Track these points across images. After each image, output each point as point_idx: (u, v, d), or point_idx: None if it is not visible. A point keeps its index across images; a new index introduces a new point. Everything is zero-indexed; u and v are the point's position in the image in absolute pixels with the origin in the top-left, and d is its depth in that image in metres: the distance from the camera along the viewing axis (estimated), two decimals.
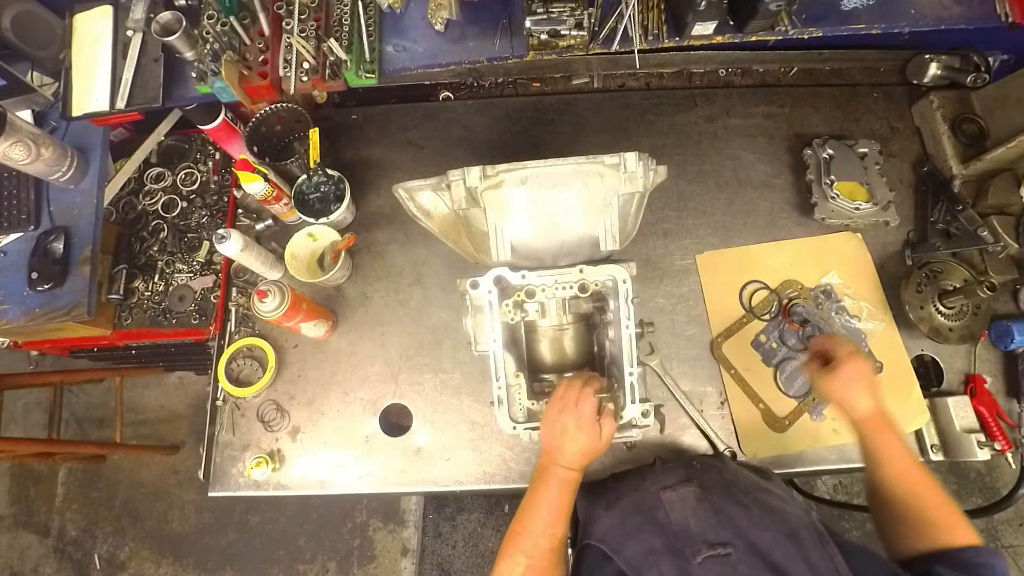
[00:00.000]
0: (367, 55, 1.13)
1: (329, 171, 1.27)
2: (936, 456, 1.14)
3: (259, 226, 1.35)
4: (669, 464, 0.96)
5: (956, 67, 1.32)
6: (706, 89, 1.46)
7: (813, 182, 1.28)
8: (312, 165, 1.22)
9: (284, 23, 1.12)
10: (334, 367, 1.25)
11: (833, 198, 1.23)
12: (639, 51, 1.09)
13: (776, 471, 1.14)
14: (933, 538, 0.71)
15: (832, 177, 1.24)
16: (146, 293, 1.33)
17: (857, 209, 1.23)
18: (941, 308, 1.18)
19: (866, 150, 1.30)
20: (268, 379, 1.21)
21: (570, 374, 0.90)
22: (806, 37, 1.12)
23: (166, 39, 1.08)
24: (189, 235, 1.38)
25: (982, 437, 1.11)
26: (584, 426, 0.78)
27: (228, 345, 1.26)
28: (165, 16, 1.09)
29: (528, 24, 1.05)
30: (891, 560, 0.72)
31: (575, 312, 0.95)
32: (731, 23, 1.09)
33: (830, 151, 1.28)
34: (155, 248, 1.36)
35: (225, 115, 1.26)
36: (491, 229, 0.87)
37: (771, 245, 1.30)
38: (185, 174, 1.42)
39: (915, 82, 1.38)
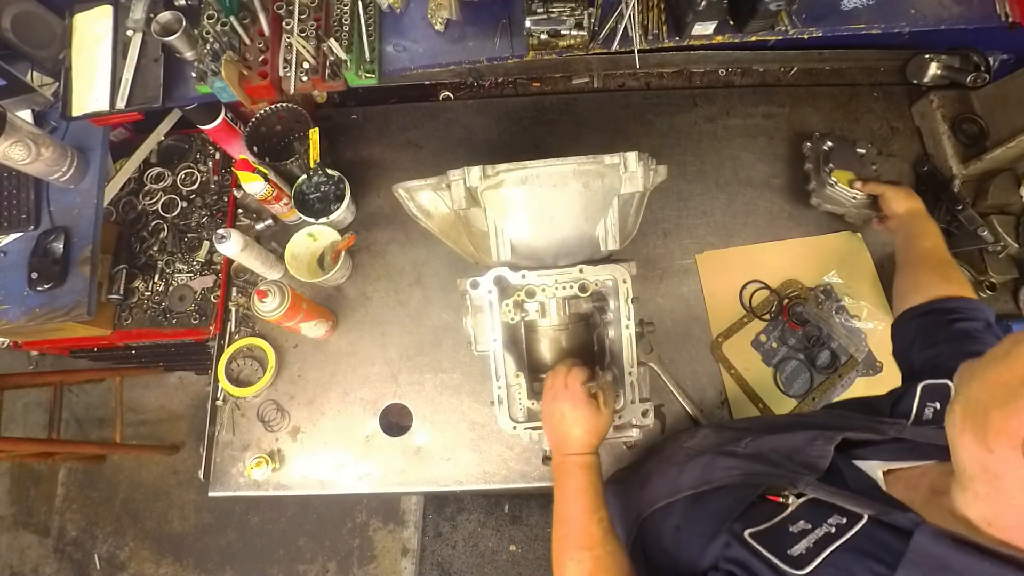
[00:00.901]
0: (367, 55, 1.13)
1: (329, 171, 1.27)
2: None
3: (259, 226, 1.35)
4: (677, 433, 1.02)
5: (956, 67, 1.32)
6: (706, 89, 1.46)
7: (811, 170, 1.27)
8: (312, 165, 1.22)
9: (284, 23, 1.12)
10: (334, 367, 1.25)
11: (831, 184, 1.22)
12: (639, 51, 1.09)
13: None
14: (939, 290, 0.86)
15: (831, 165, 1.23)
16: (146, 293, 1.33)
17: (855, 198, 1.21)
18: None
19: (864, 151, 1.29)
20: (268, 379, 1.21)
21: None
22: (806, 37, 1.12)
23: (166, 39, 1.08)
24: (189, 235, 1.37)
25: None
26: (580, 403, 0.77)
27: (228, 345, 1.26)
28: (165, 16, 1.09)
29: (528, 24, 1.05)
30: (899, 314, 0.91)
31: (575, 312, 0.95)
32: (731, 23, 1.09)
33: (830, 143, 1.27)
34: (155, 248, 1.36)
35: (225, 115, 1.26)
36: (491, 229, 0.87)
37: (771, 245, 1.30)
38: (185, 174, 1.42)
39: (915, 82, 1.38)
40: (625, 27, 1.08)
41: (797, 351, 1.21)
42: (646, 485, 0.86)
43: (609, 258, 0.92)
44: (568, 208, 0.86)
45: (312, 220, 1.24)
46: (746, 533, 0.59)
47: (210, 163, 1.43)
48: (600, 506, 0.75)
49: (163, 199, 1.40)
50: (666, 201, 1.34)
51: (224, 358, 1.24)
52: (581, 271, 0.87)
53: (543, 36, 1.07)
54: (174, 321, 1.31)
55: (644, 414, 0.86)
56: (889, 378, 1.18)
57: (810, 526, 0.56)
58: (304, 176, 1.27)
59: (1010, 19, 1.13)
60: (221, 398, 1.23)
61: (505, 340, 0.88)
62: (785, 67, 1.49)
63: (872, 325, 1.23)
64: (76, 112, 1.18)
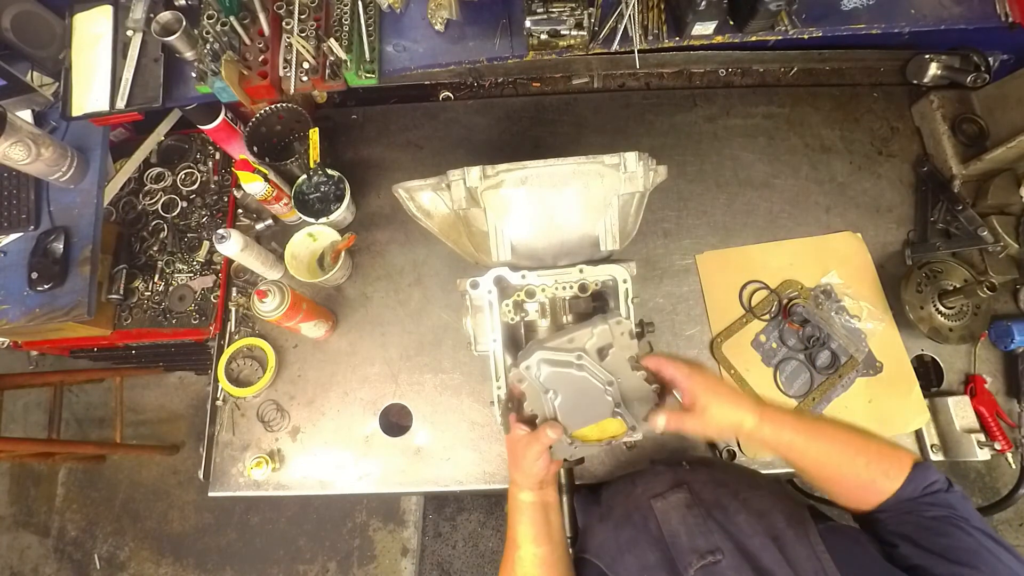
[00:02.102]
0: (367, 55, 1.13)
1: (329, 171, 1.27)
2: (936, 456, 1.14)
3: (259, 226, 1.35)
4: (659, 468, 0.93)
5: (956, 67, 1.32)
6: (706, 89, 1.46)
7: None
8: (312, 165, 1.22)
9: (284, 23, 1.12)
10: (334, 367, 1.25)
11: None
12: (639, 51, 1.09)
13: (775, 471, 1.14)
14: (879, 491, 0.67)
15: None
16: (146, 293, 1.33)
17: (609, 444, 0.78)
18: (941, 308, 1.18)
19: (606, 343, 0.75)
20: (268, 379, 1.21)
21: None
22: (806, 37, 1.12)
23: (166, 39, 1.08)
24: (189, 235, 1.38)
25: (982, 437, 1.11)
26: (508, 438, 0.78)
27: (228, 345, 1.26)
28: (165, 16, 1.09)
29: (528, 24, 1.05)
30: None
31: (575, 312, 0.94)
32: (731, 23, 1.09)
33: (543, 367, 0.74)
34: (155, 248, 1.36)
35: (225, 115, 1.26)
36: (491, 229, 0.87)
37: (771, 245, 1.30)
38: (185, 174, 1.42)
39: (915, 82, 1.38)
40: (625, 27, 1.08)
41: (797, 351, 1.21)
42: (604, 521, 0.85)
43: (609, 258, 0.92)
44: (568, 208, 0.86)
45: (312, 220, 1.24)
46: None
47: (210, 163, 1.43)
48: (525, 543, 0.77)
49: (163, 199, 1.40)
50: (666, 201, 1.34)
51: (224, 358, 1.24)
52: (581, 271, 0.87)
53: (543, 36, 1.07)
54: (174, 321, 1.31)
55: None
56: (888, 378, 1.19)
57: None
58: (304, 176, 1.27)
59: (1010, 19, 1.13)
60: (221, 398, 1.24)
61: (505, 340, 0.88)
62: (785, 67, 1.49)
63: (872, 325, 1.23)
64: (76, 112, 1.18)
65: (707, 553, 0.68)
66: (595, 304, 0.97)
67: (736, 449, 1.15)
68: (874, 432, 0.71)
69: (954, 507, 0.63)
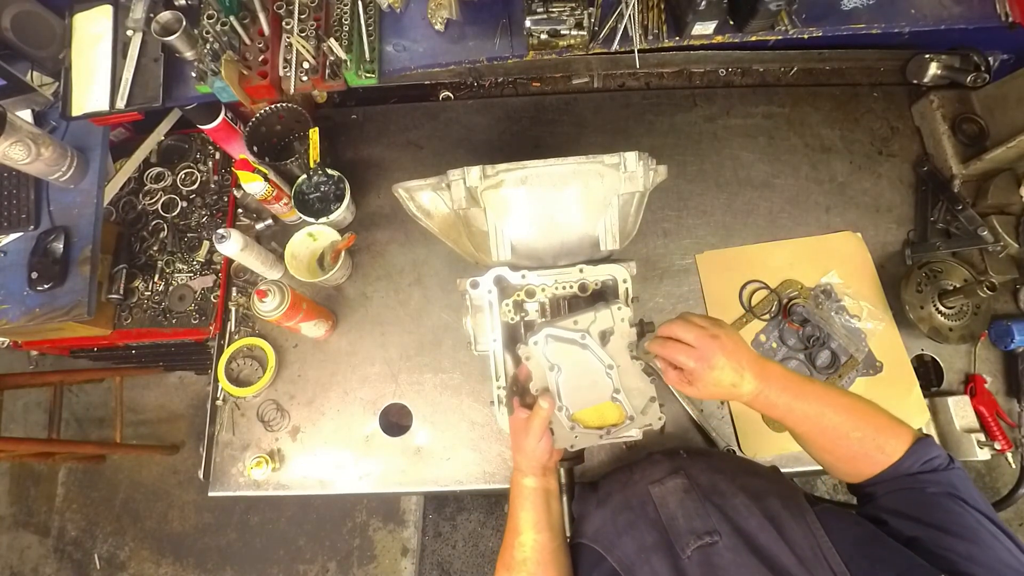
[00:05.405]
0: (367, 55, 1.13)
1: (329, 171, 1.27)
2: None
3: (259, 226, 1.35)
4: (657, 457, 0.92)
5: (956, 67, 1.32)
6: (706, 89, 1.46)
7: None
8: (312, 165, 1.22)
9: (284, 23, 1.12)
10: (334, 367, 1.25)
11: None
12: (639, 51, 1.09)
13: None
14: (877, 463, 0.68)
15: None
16: (146, 293, 1.33)
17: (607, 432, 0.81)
18: (941, 308, 1.18)
19: (610, 325, 0.80)
20: (268, 379, 1.21)
21: None
22: (806, 37, 1.12)
23: (166, 39, 1.08)
24: (189, 235, 1.37)
25: (982, 437, 1.12)
26: (512, 421, 0.82)
27: (228, 345, 1.26)
28: (165, 16, 1.09)
29: (528, 24, 1.05)
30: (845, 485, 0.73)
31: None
32: (731, 23, 1.09)
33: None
34: (155, 248, 1.36)
35: (225, 115, 1.26)
36: (491, 229, 0.88)
37: (771, 245, 1.30)
38: (185, 174, 1.42)
39: (915, 82, 1.38)
40: (625, 27, 1.08)
41: (797, 351, 1.21)
42: (601, 507, 0.84)
43: (609, 258, 0.92)
44: (568, 208, 0.86)
45: (312, 220, 1.24)
46: None
47: (210, 163, 1.43)
48: (527, 529, 0.78)
49: (163, 199, 1.40)
50: (666, 201, 1.34)
51: (224, 358, 1.24)
52: (581, 271, 0.87)
53: (543, 36, 1.07)
54: (174, 321, 1.31)
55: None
56: (888, 378, 1.19)
57: None
58: (304, 176, 1.27)
59: (1010, 19, 1.13)
60: (221, 398, 1.23)
61: (505, 340, 0.88)
62: (785, 67, 1.49)
63: (872, 325, 1.23)
64: (76, 112, 1.18)
65: (704, 534, 0.68)
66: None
67: (736, 448, 1.15)
68: (876, 403, 0.72)
69: (954, 486, 0.63)
